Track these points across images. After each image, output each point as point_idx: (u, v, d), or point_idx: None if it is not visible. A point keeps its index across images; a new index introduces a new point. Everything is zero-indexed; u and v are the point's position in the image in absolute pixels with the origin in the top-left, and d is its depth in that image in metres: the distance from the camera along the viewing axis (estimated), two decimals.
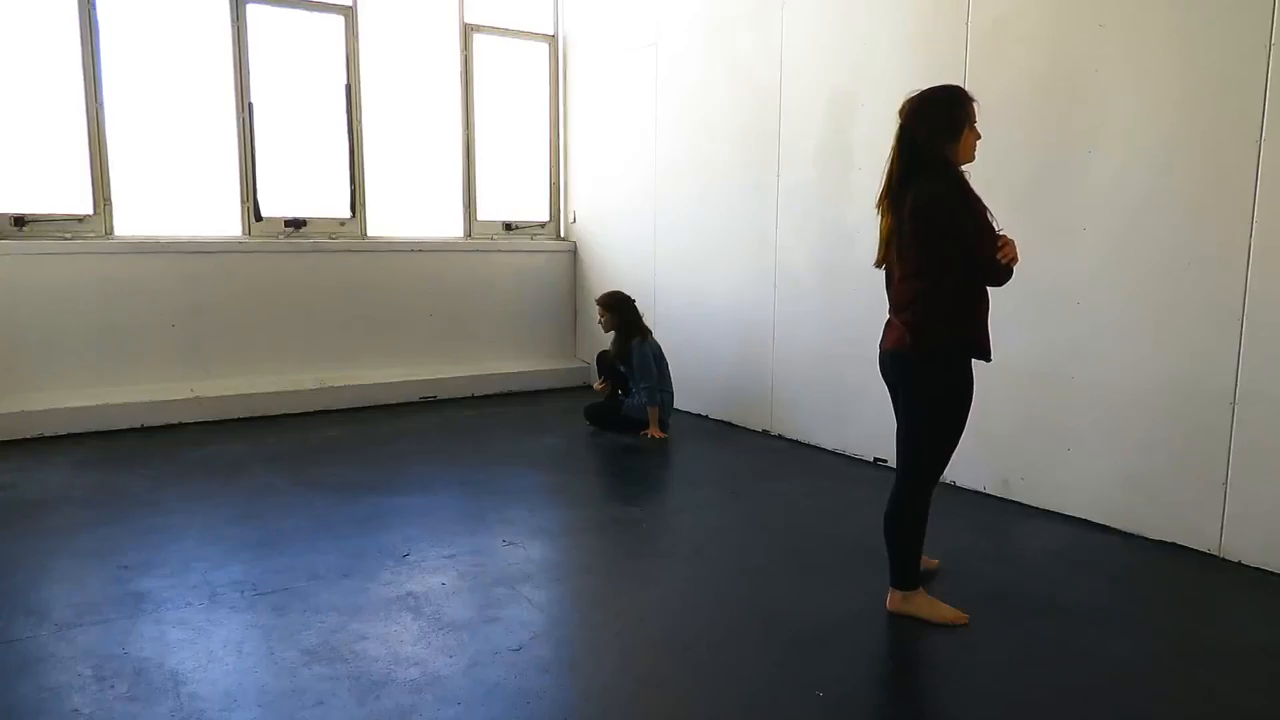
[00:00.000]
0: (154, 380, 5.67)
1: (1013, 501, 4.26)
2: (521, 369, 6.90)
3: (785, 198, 5.32)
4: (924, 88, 2.91)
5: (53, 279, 5.36)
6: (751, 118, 5.47)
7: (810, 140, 5.13)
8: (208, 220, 5.94)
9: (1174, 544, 3.70)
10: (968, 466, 4.34)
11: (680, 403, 5.85)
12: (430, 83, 6.71)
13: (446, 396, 6.50)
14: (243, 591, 3.16)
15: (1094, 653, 2.81)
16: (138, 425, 5.41)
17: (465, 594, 3.19)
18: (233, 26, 5.83)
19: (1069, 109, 3.94)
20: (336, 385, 6.11)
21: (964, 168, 2.88)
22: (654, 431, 5.46)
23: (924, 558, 3.08)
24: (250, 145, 5.95)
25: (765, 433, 5.59)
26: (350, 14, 6.22)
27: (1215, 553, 3.59)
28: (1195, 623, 3.12)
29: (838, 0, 4.92)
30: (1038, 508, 4.16)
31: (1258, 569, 3.47)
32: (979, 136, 2.90)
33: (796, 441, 5.37)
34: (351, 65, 6.27)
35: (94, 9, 5.38)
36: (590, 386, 6.25)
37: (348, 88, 6.29)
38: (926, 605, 3.00)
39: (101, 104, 5.47)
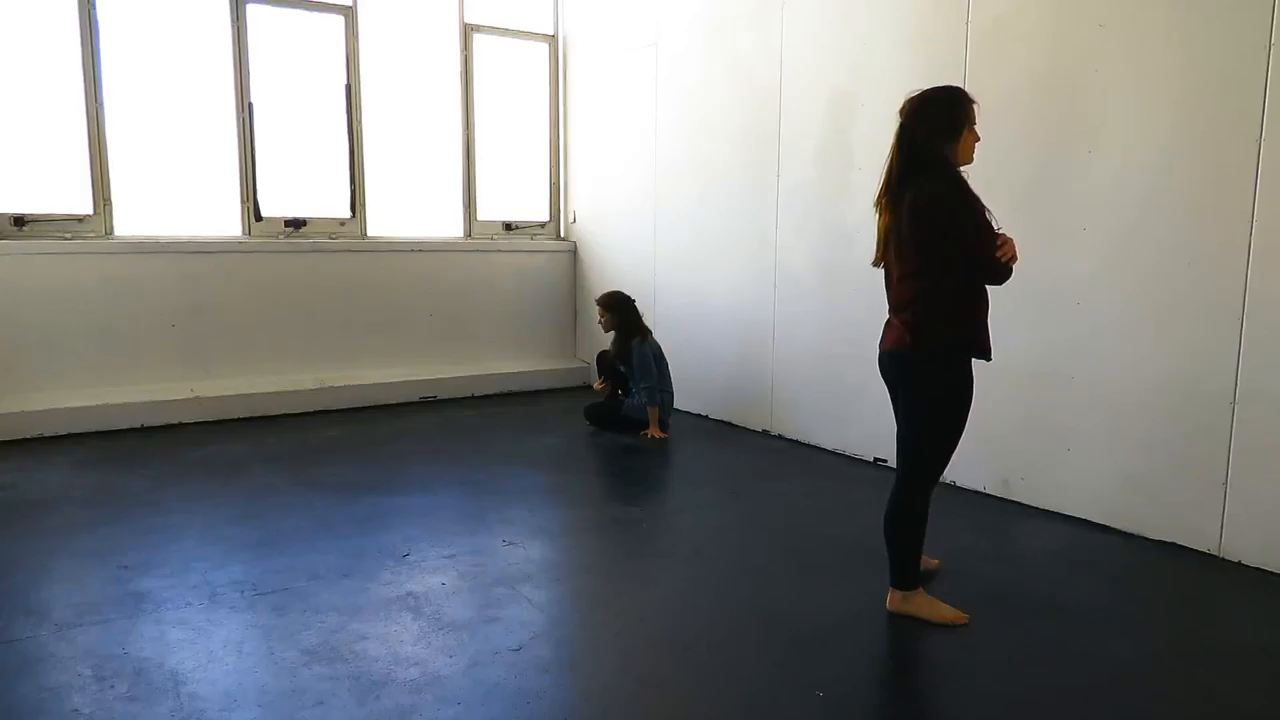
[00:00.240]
0: (154, 380, 5.67)
1: (1013, 501, 4.26)
2: (521, 369, 6.90)
3: (785, 198, 5.32)
4: (924, 88, 2.91)
5: (53, 279, 5.36)
6: (751, 118, 5.47)
7: (810, 140, 5.13)
8: (208, 220, 5.94)
9: (1174, 544, 3.70)
10: (968, 466, 4.34)
11: (680, 403, 5.85)
12: (430, 83, 6.71)
13: (446, 396, 6.50)
14: (243, 591, 3.16)
15: (1094, 653, 2.81)
16: (138, 425, 5.41)
17: (465, 594, 3.19)
18: (233, 26, 5.83)
19: (1069, 109, 3.94)
20: (336, 385, 6.11)
21: (962, 169, 2.88)
22: (654, 431, 5.46)
23: (924, 558, 3.08)
24: (250, 145, 5.95)
25: (765, 433, 5.59)
26: (350, 14, 6.22)
27: (1215, 553, 3.59)
28: (1195, 623, 3.12)
29: (838, 0, 4.92)
30: (1038, 508, 4.16)
31: (1258, 569, 3.47)
32: (978, 138, 2.90)
33: (796, 441, 5.37)
34: (351, 65, 6.27)
35: (94, 9, 5.38)
36: (590, 386, 6.25)
37: (348, 88, 6.29)
38: (926, 605, 3.00)
39: (101, 104, 5.47)
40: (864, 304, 4.40)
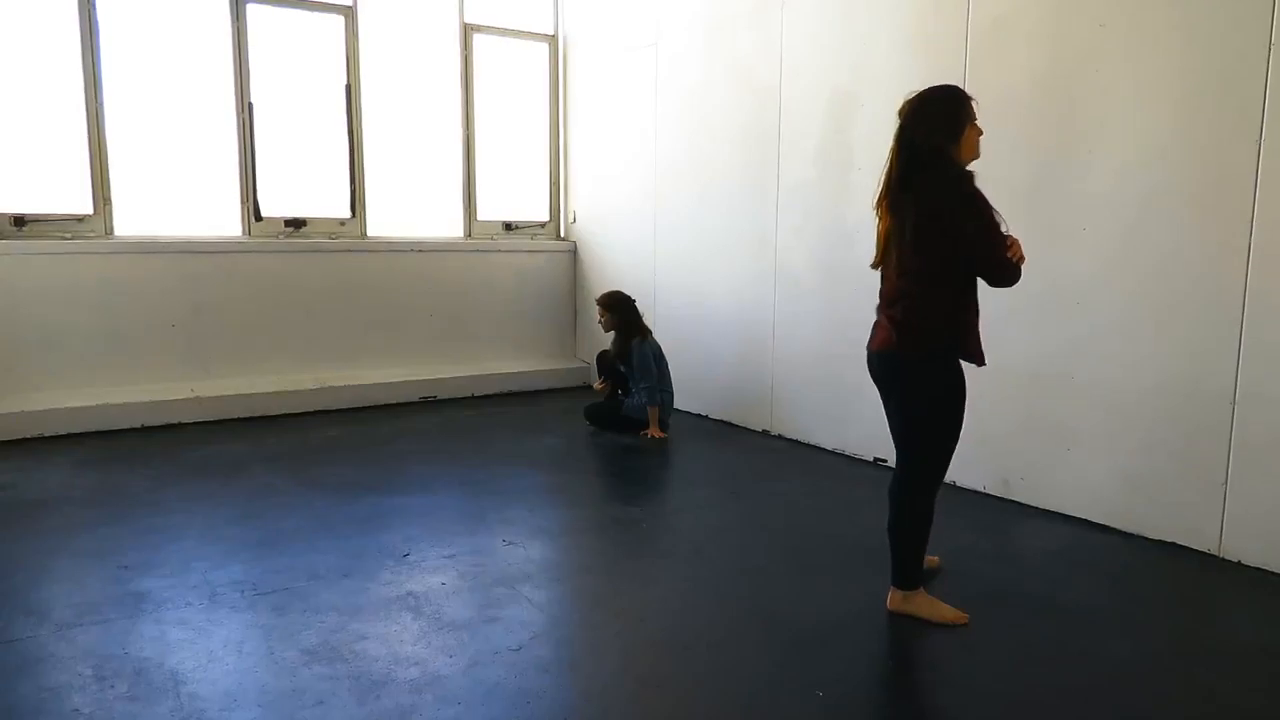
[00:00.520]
0: (154, 380, 5.67)
1: (1013, 501, 4.26)
2: (521, 369, 6.89)
3: (785, 198, 5.32)
4: (923, 88, 2.91)
5: (53, 279, 5.36)
6: (751, 118, 5.47)
7: (810, 140, 5.13)
8: (208, 220, 5.94)
9: (1174, 544, 3.70)
10: (968, 466, 4.34)
11: (680, 403, 5.85)
12: (430, 83, 6.71)
13: (446, 396, 6.49)
14: (243, 591, 3.16)
15: (1094, 653, 2.81)
16: (138, 425, 5.41)
17: (465, 594, 3.19)
18: (233, 26, 5.83)
19: (1069, 109, 3.93)
20: (336, 385, 6.11)
21: (971, 165, 2.87)
22: (654, 431, 5.46)
23: (926, 556, 3.08)
24: (250, 145, 5.95)
25: (765, 433, 5.59)
26: (350, 14, 6.22)
27: (1215, 553, 3.58)
28: (1195, 623, 3.12)
29: (838, 0, 4.92)
30: (1038, 508, 4.16)
31: (1258, 569, 3.47)
32: (981, 132, 2.89)
33: (796, 441, 5.37)
34: (351, 65, 6.27)
35: (94, 9, 5.38)
36: (590, 386, 6.25)
37: (348, 88, 6.28)
38: (927, 605, 3.00)
39: (101, 104, 5.47)
40: (864, 304, 4.37)
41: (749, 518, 4.14)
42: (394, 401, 6.26)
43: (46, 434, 5.17)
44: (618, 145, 6.65)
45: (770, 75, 5.32)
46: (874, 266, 3.05)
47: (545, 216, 7.32)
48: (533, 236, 7.22)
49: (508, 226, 7.11)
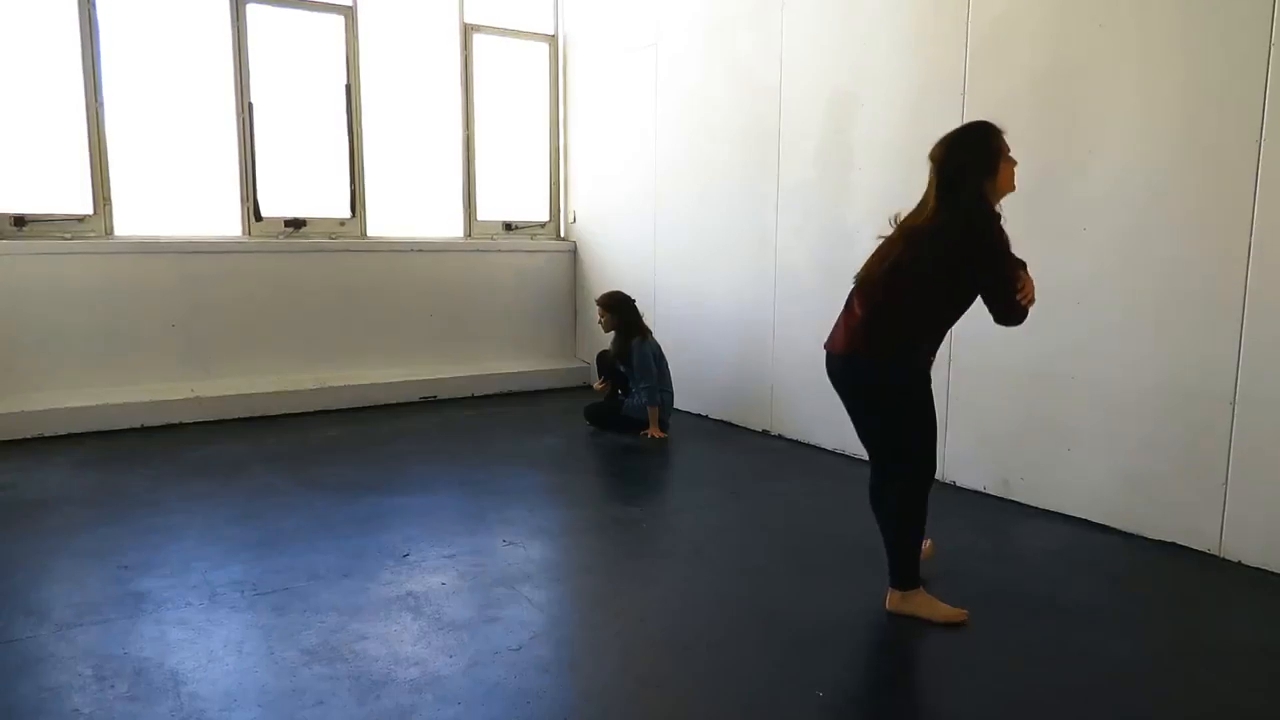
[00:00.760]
0: (154, 380, 5.67)
1: (1013, 501, 4.26)
2: (521, 369, 6.90)
3: (785, 198, 5.31)
4: (950, 130, 2.93)
5: (53, 279, 5.36)
6: (751, 118, 5.47)
7: (810, 140, 5.13)
8: (208, 220, 5.94)
9: (1174, 544, 3.69)
10: (968, 466, 4.35)
11: (680, 403, 5.85)
12: (430, 83, 6.71)
13: (446, 396, 6.49)
14: (243, 591, 3.16)
15: (1094, 653, 2.81)
16: (138, 425, 5.41)
17: (465, 594, 3.19)
18: (233, 26, 5.83)
19: (1069, 109, 3.93)
20: (336, 385, 6.11)
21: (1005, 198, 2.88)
22: (654, 431, 5.46)
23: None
24: (250, 145, 5.95)
25: (765, 433, 5.59)
26: (350, 14, 6.22)
27: (1215, 553, 3.58)
28: (1195, 623, 3.12)
29: (838, 0, 4.92)
30: (1038, 508, 4.16)
31: (1258, 569, 3.47)
32: (1015, 163, 2.89)
33: (796, 441, 5.37)
34: (351, 65, 6.27)
35: (94, 9, 5.38)
36: (590, 386, 6.25)
37: (348, 88, 6.29)
38: (926, 604, 3.00)
39: (101, 104, 5.47)
40: None
41: (749, 518, 4.14)
42: (394, 401, 6.26)
43: (46, 434, 5.18)
44: (618, 145, 6.65)
45: (770, 76, 5.32)
46: (856, 277, 2.99)
47: (545, 216, 7.32)
48: (533, 236, 7.22)
49: (508, 226, 7.11)
